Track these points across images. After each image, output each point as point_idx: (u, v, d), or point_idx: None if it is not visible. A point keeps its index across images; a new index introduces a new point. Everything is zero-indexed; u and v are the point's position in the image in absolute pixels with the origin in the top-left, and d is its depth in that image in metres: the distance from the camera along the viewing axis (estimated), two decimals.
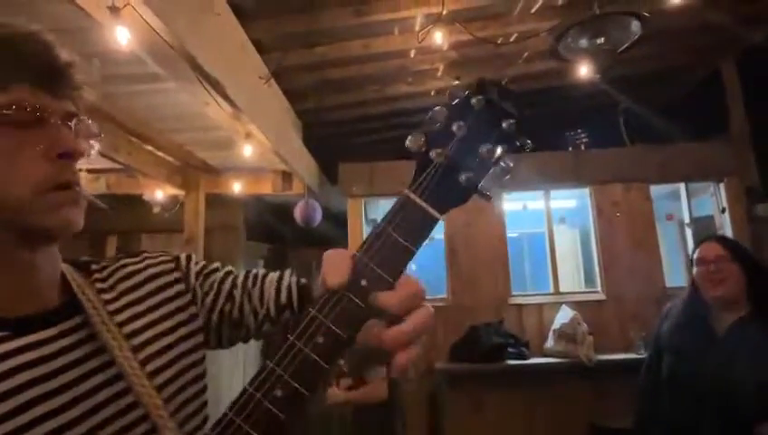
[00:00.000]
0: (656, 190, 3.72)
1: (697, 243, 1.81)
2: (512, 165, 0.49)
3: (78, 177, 0.51)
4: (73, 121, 0.52)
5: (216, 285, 0.66)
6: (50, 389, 0.47)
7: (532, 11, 2.79)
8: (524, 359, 3.29)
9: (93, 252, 3.79)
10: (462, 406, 3.35)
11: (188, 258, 0.67)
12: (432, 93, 3.69)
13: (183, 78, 1.88)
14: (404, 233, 0.47)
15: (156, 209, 3.67)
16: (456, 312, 3.53)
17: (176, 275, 0.64)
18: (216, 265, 0.70)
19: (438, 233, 3.86)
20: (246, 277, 0.68)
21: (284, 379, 0.44)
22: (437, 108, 0.50)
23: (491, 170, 0.48)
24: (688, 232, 3.69)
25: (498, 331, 3.36)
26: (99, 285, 0.58)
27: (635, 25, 2.08)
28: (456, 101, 0.50)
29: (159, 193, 3.61)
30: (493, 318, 3.44)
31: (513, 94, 0.50)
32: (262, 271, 0.69)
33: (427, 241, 0.49)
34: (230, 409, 0.45)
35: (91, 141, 0.54)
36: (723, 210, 3.59)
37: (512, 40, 2.97)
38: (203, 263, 0.68)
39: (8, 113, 0.46)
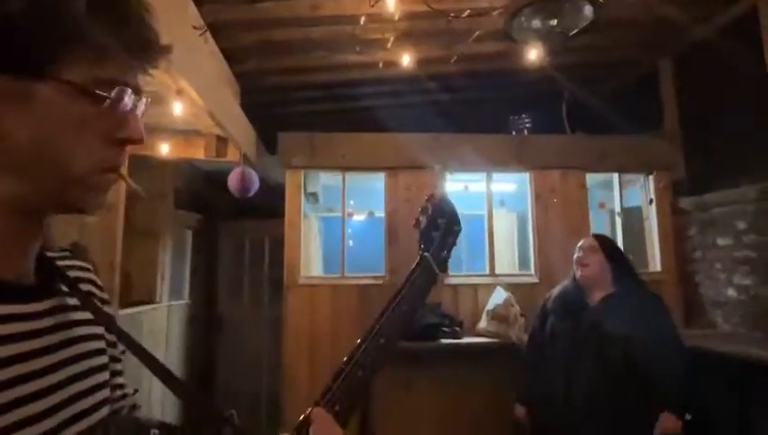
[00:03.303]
0: (591, 179, 3.85)
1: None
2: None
3: (123, 162, 0.51)
4: (140, 102, 0.51)
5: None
6: (36, 368, 0.46)
7: None
8: (458, 338, 3.34)
9: None
10: (393, 384, 3.37)
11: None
12: (380, 65, 3.59)
13: None
14: (422, 279, 0.76)
15: None
16: (392, 290, 3.50)
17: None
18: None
19: (379, 210, 3.81)
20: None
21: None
22: (428, 207, 0.80)
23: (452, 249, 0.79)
24: (618, 221, 3.87)
25: (434, 311, 3.39)
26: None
27: (588, 10, 2.08)
28: (436, 203, 0.79)
29: None
30: (429, 296, 3.46)
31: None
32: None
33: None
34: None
35: None
36: (650, 201, 3.79)
37: (464, 15, 2.92)
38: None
39: (94, 90, 0.45)
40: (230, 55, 3.22)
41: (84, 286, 0.58)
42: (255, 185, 3.61)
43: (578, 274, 2.30)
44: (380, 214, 3.77)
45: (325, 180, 4.09)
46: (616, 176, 3.88)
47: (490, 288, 3.57)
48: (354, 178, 3.80)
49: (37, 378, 0.46)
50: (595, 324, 2.18)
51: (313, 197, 4.03)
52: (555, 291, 2.47)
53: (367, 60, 3.49)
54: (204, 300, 4.80)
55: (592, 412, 2.11)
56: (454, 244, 0.79)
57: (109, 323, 0.56)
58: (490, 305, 3.45)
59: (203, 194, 4.65)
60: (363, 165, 3.71)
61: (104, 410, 0.53)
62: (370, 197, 4.06)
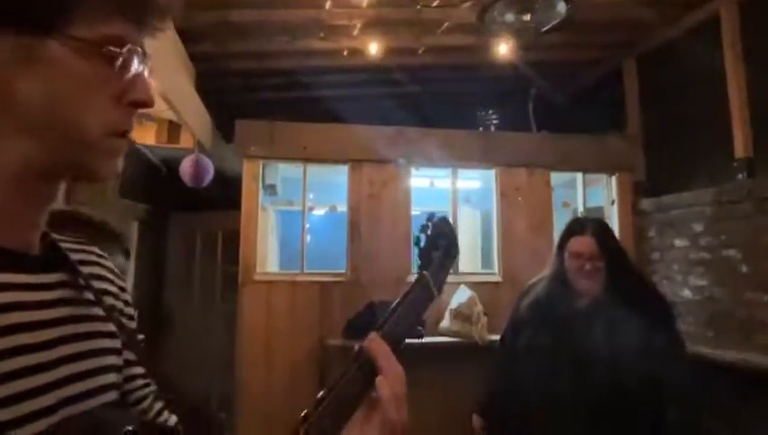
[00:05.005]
0: (555, 178, 3.95)
1: (571, 230, 1.94)
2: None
3: (133, 126, 0.51)
4: (147, 64, 0.50)
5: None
6: (39, 340, 0.45)
7: None
8: (419, 338, 3.35)
9: None
10: None
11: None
12: (345, 53, 3.54)
13: None
14: (420, 296, 0.73)
15: None
16: (354, 287, 3.49)
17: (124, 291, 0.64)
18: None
19: (342, 205, 3.77)
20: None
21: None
22: (429, 226, 0.80)
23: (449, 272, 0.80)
24: None
25: None
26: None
27: (560, 6, 2.12)
28: (437, 223, 0.80)
29: None
30: (392, 295, 3.43)
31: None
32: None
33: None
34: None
35: None
36: (612, 202, 3.93)
37: (434, 5, 2.92)
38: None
39: (106, 47, 0.45)
40: (185, 35, 3.10)
41: (93, 269, 0.57)
42: (210, 174, 3.50)
43: (580, 286, 1.86)
44: (343, 208, 3.73)
45: (285, 172, 4.01)
46: (580, 175, 3.99)
47: (453, 287, 3.60)
48: (315, 171, 3.75)
49: (37, 351, 0.45)
50: (582, 337, 1.79)
51: (272, 188, 3.94)
52: (534, 292, 2.04)
53: (331, 47, 3.44)
54: (150, 297, 4.62)
55: None
56: (451, 267, 0.81)
57: (109, 311, 0.54)
58: (453, 304, 3.48)
59: (152, 183, 4.47)
60: (325, 157, 3.66)
61: (111, 395, 0.52)
62: (332, 190, 4.02)
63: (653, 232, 3.76)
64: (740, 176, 3.05)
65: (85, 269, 0.55)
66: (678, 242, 3.51)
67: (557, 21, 2.17)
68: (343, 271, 3.58)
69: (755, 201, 2.92)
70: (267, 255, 3.92)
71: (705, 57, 3.21)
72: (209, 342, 4.53)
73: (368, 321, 3.30)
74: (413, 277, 3.01)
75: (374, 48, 3.28)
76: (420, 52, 3.53)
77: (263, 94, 4.32)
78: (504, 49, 2.74)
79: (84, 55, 0.45)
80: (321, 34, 3.29)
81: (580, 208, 3.97)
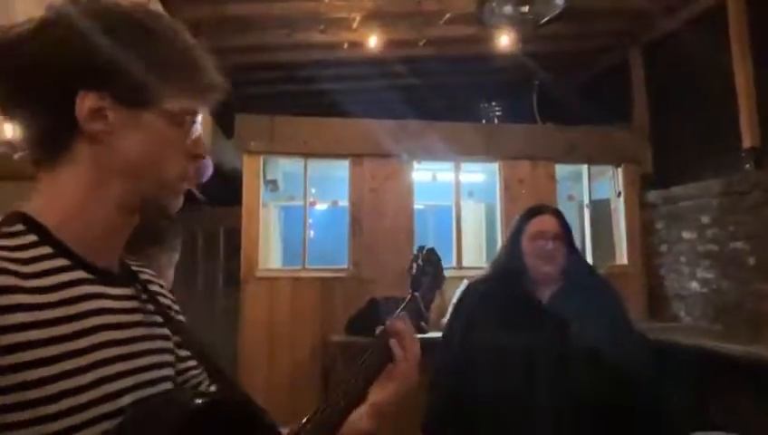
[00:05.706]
0: (560, 170, 3.96)
1: (528, 214, 1.81)
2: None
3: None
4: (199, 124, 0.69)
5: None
6: (121, 337, 0.62)
7: None
8: (423, 333, 3.39)
9: None
10: None
11: None
12: (345, 46, 3.57)
13: None
14: (411, 314, 0.92)
15: (17, 156, 3.17)
16: (356, 283, 3.54)
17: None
18: None
19: (343, 199, 3.81)
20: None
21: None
22: (419, 256, 1.01)
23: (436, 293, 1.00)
24: (586, 213, 4.00)
25: (399, 304, 3.42)
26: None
27: None
28: (425, 254, 1.00)
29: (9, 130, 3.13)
30: (394, 291, 3.49)
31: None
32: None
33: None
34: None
35: None
36: (618, 194, 3.94)
37: None
38: None
39: (185, 118, 0.64)
40: None
41: (154, 287, 0.75)
42: (209, 171, 3.53)
43: (542, 269, 1.70)
44: (344, 203, 3.77)
45: (286, 167, 4.05)
46: (585, 168, 4.01)
47: (457, 281, 3.63)
48: (317, 166, 3.79)
49: (125, 344, 0.62)
50: (557, 332, 1.63)
51: (273, 184, 3.99)
52: (483, 287, 1.84)
53: (331, 40, 3.47)
54: None
55: None
56: (437, 289, 0.99)
57: (167, 317, 0.72)
58: (456, 299, 3.51)
59: None
60: (326, 151, 3.69)
61: (167, 384, 0.69)
62: (334, 185, 4.06)
63: (660, 224, 3.78)
64: (747, 166, 3.06)
65: (150, 287, 0.73)
66: (686, 234, 3.53)
67: (555, 13, 2.19)
68: (345, 266, 3.63)
69: (763, 192, 2.93)
70: (269, 251, 3.97)
71: (712, 47, 3.21)
72: (211, 339, 4.59)
73: (370, 317, 3.34)
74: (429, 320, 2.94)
75: (374, 41, 3.30)
76: (421, 44, 3.56)
77: (262, 89, 4.36)
78: (504, 41, 2.76)
79: (171, 123, 0.64)
80: (321, 27, 3.32)
81: (586, 201, 3.99)
